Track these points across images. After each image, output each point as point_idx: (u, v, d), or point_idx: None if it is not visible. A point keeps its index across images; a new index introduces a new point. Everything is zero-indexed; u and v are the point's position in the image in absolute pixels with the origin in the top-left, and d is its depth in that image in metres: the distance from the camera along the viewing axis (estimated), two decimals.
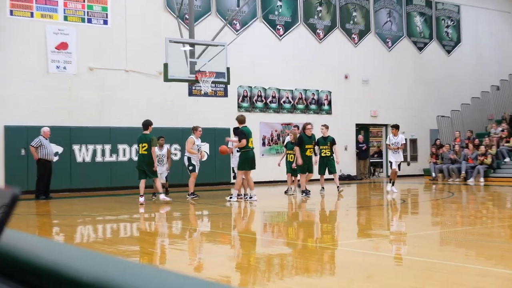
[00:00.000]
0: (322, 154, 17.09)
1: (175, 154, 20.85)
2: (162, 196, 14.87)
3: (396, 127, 17.46)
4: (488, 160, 22.82)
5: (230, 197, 15.30)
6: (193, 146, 15.38)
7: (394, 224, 11.33)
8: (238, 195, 15.12)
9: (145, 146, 14.58)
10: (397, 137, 17.16)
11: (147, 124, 14.93)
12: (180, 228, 10.77)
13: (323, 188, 17.14)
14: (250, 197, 14.88)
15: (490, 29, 30.16)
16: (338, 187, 17.29)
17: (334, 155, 17.10)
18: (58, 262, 1.23)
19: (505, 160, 23.45)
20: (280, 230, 10.49)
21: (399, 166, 17.53)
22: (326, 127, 17.35)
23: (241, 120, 15.00)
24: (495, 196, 17.68)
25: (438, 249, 8.15)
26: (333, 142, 17.09)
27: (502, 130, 24.56)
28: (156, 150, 14.85)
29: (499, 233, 9.42)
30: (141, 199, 14.45)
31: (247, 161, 14.63)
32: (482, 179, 22.47)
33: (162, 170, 15.77)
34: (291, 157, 17.07)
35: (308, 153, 16.25)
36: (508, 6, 30.89)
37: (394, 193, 16.72)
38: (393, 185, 17.46)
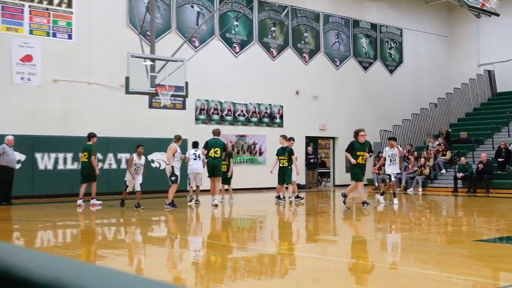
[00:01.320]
0: (280, 164, 16.58)
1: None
2: (93, 201, 15.47)
3: (393, 139, 16.54)
4: (426, 171, 23.16)
5: (215, 202, 15.40)
6: (176, 153, 14.84)
7: (340, 230, 11.40)
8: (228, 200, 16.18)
9: (85, 154, 15.44)
10: (394, 149, 16.10)
11: (89, 136, 15.75)
12: (135, 234, 10.60)
13: (283, 197, 16.74)
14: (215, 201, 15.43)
15: (429, 51, 30.71)
16: (291, 197, 16.76)
17: (292, 165, 16.52)
18: (11, 263, 1.18)
19: (442, 171, 23.87)
20: (232, 235, 10.43)
21: (391, 177, 16.11)
22: (285, 137, 16.74)
23: (214, 132, 15.93)
24: (432, 205, 17.96)
25: (380, 253, 8.19)
26: (290, 152, 16.51)
27: (439, 144, 24.91)
28: (135, 158, 14.88)
29: (435, 239, 9.51)
30: (79, 202, 15.28)
31: (207, 169, 15.56)
32: (420, 189, 22.78)
33: (138, 179, 15.12)
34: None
35: (360, 160, 14.71)
36: (446, 30, 31.54)
37: (395, 205, 15.60)
38: (394, 196, 16.28)
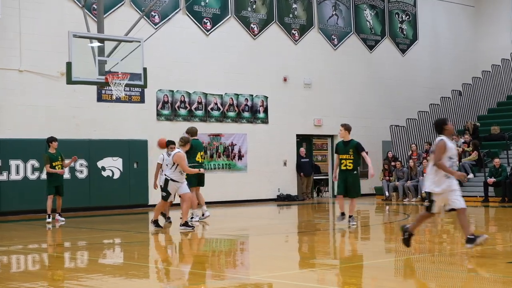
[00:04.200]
0: (342, 167, 14.19)
1: (81, 171, 20.51)
2: (57, 216, 16.23)
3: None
4: None
5: (191, 218, 15.53)
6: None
7: (341, 252, 11.43)
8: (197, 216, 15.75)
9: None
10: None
11: (46, 141, 16.50)
12: (87, 261, 10.57)
13: (350, 218, 14.38)
14: (203, 215, 15.90)
15: (451, 25, 31.02)
16: (351, 219, 14.32)
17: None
18: None
19: (469, 176, 23.95)
20: (207, 260, 10.43)
21: None
22: (347, 128, 14.34)
23: (192, 132, 15.92)
24: (456, 218, 18.03)
25: (393, 281, 8.24)
26: (358, 148, 14.13)
27: (465, 142, 25.07)
28: (165, 157, 14.82)
29: (461, 261, 9.60)
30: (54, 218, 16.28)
31: (194, 177, 15.30)
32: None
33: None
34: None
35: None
36: None
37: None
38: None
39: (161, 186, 14.26)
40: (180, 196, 13.96)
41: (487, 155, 24.44)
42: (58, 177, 16.58)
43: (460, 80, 29.71)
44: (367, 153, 14.42)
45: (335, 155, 14.72)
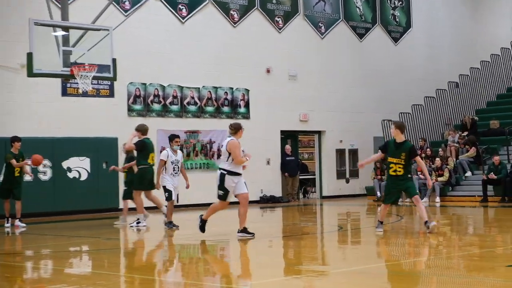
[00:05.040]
0: (391, 172, 13.30)
1: (44, 173, 20.39)
2: (17, 222, 16.49)
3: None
4: (445, 175, 23.49)
5: (138, 223, 15.85)
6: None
7: (329, 257, 11.45)
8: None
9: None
10: None
11: (10, 140, 16.96)
12: (51, 270, 10.50)
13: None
14: (138, 223, 15.87)
15: (448, 12, 31.27)
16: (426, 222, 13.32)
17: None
18: None
19: (466, 174, 24.08)
20: (184, 268, 10.42)
21: None
22: (399, 127, 13.50)
23: (143, 129, 15.93)
24: (454, 220, 18.13)
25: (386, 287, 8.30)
26: (412, 152, 13.24)
27: (462, 138, 25.15)
28: (169, 154, 15.21)
29: (459, 265, 9.66)
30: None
31: (145, 180, 15.61)
32: (438, 199, 22.96)
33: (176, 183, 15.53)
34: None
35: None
36: None
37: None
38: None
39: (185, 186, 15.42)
40: (236, 197, 13.03)
41: (486, 152, 24.56)
42: (11, 179, 16.75)
43: (457, 71, 29.89)
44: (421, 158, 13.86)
45: (378, 152, 13.87)
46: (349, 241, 13.68)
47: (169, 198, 15.11)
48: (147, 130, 16.04)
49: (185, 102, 23.61)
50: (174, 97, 23.38)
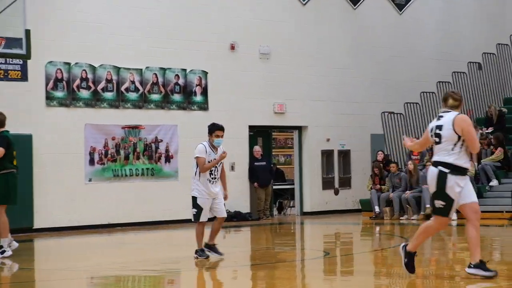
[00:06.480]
0: None
1: None
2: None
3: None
4: None
5: (1, 252, 15.40)
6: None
7: None
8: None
9: None
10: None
11: None
12: None
13: None
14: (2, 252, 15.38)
15: None
16: None
17: None
18: None
19: (491, 183, 23.88)
20: None
21: None
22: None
23: (2, 121, 15.70)
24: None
25: None
26: None
27: (486, 134, 25.27)
28: (208, 151, 14.27)
29: None
30: None
31: (10, 190, 15.55)
32: (454, 216, 22.61)
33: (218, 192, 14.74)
34: None
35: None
36: None
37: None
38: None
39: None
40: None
41: None
42: None
43: (480, 49, 30.17)
44: None
45: None
46: (337, 270, 13.82)
47: (196, 217, 14.15)
48: (2, 121, 15.67)
49: (122, 88, 23.38)
50: (108, 81, 23.13)
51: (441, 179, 10.64)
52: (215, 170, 14.31)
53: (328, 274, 13.22)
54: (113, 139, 22.94)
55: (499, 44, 29.99)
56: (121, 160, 23.03)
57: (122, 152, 22.99)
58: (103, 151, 22.93)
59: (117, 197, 22.18)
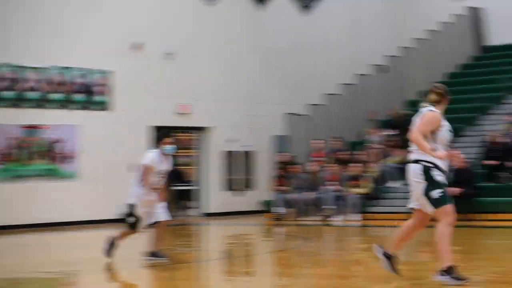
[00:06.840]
0: None
1: None
2: None
3: None
4: (366, 186, 23.63)
5: None
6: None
7: None
8: None
9: None
10: None
11: None
12: None
13: None
14: None
15: None
16: None
17: None
18: None
19: (393, 185, 23.92)
20: None
21: None
22: None
23: None
24: (373, 243, 18.09)
25: None
26: None
27: (388, 137, 25.41)
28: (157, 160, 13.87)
29: None
30: None
31: None
32: (357, 216, 23.13)
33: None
34: None
35: None
36: None
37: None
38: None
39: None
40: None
41: None
42: None
43: (384, 51, 30.47)
44: None
45: None
46: (238, 270, 13.99)
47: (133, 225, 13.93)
48: None
49: (22, 87, 23.27)
50: (7, 80, 22.98)
51: (426, 171, 10.51)
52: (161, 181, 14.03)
53: (229, 275, 13.33)
54: (13, 139, 22.89)
55: (400, 46, 30.22)
56: (20, 160, 22.99)
57: (21, 152, 22.98)
58: (2, 152, 22.88)
59: (13, 198, 21.81)
